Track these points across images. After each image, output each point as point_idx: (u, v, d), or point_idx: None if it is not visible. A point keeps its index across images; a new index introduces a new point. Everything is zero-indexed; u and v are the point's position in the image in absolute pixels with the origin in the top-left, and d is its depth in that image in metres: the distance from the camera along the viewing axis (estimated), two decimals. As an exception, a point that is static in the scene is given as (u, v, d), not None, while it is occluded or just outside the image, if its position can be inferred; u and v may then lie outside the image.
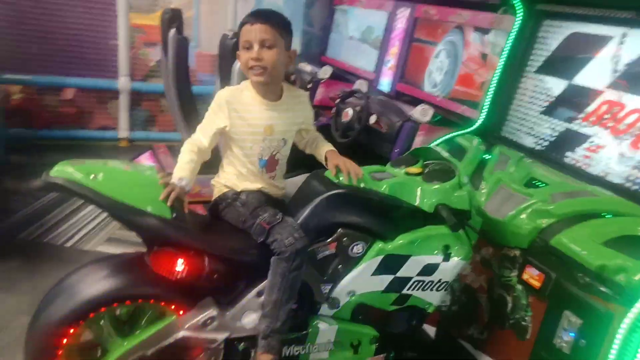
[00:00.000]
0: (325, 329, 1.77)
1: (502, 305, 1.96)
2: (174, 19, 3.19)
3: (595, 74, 2.07)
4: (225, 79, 2.34)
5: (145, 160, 3.72)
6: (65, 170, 1.37)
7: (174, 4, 7.62)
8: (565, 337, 1.69)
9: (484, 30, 2.67)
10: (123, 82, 4.59)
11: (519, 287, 1.88)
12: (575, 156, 2.10)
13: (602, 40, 2.06)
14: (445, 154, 1.90)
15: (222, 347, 1.64)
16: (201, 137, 1.67)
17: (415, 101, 2.97)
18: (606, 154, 2.00)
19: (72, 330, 1.50)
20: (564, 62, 2.20)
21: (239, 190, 1.73)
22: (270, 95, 1.71)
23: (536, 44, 2.32)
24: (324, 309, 1.78)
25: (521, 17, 2.34)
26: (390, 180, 1.78)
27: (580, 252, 1.66)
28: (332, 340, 1.80)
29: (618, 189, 1.91)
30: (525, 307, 1.86)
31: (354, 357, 1.87)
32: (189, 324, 1.59)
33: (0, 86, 4.22)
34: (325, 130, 3.05)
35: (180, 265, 1.50)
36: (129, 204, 1.41)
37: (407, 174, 1.85)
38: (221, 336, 1.63)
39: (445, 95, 2.89)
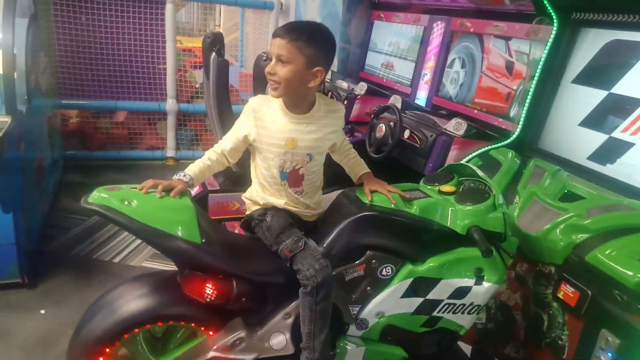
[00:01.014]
0: (353, 350, 1.77)
1: (538, 323, 1.89)
2: (215, 42, 3.32)
3: (635, 82, 1.98)
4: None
5: (189, 178, 3.85)
6: (101, 197, 1.43)
7: (222, 26, 7.99)
8: (603, 357, 1.61)
9: (521, 41, 2.63)
10: (170, 104, 4.81)
11: (555, 304, 1.82)
12: (615, 168, 2.02)
13: (640, 47, 1.98)
14: (480, 173, 1.84)
15: None
16: (225, 141, 1.71)
17: (452, 114, 2.94)
18: (648, 166, 1.91)
19: (108, 350, 1.56)
20: (602, 71, 2.12)
21: (261, 203, 1.74)
22: (297, 108, 1.69)
23: (573, 54, 2.26)
24: (352, 330, 1.77)
25: (557, 27, 2.28)
26: (422, 200, 1.75)
27: (617, 269, 1.59)
28: None
29: (659, 202, 1.82)
30: (562, 326, 1.79)
31: None
32: (219, 345, 1.63)
33: (60, 111, 4.55)
34: (360, 146, 3.09)
35: (209, 289, 1.53)
36: (160, 229, 1.43)
37: (440, 192, 1.82)
38: (249, 357, 1.65)
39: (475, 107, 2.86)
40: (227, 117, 3.45)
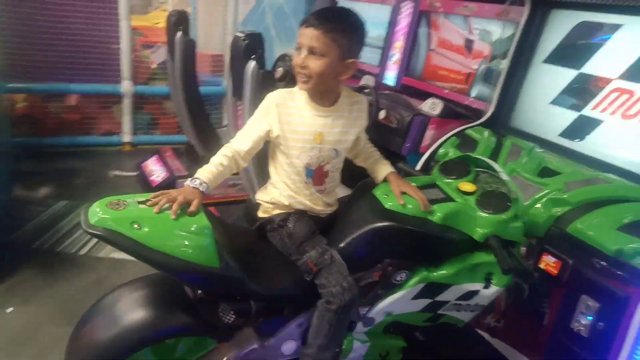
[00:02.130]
0: (359, 348, 1.79)
1: (518, 292, 1.99)
2: (180, 21, 3.21)
3: (604, 62, 2.09)
4: (238, 81, 2.35)
5: (153, 164, 3.74)
6: (105, 218, 1.26)
7: (170, 3, 7.67)
8: (583, 321, 1.73)
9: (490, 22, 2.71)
10: (126, 86, 4.60)
11: (537, 274, 1.91)
12: (586, 144, 2.13)
13: (610, 29, 2.08)
14: (497, 167, 1.80)
15: None
16: (240, 141, 1.56)
17: (420, 94, 3.00)
18: (616, 141, 2.03)
19: None
20: (572, 51, 2.22)
21: (286, 204, 1.65)
22: (323, 100, 1.60)
23: (544, 34, 2.34)
24: (359, 327, 1.78)
25: (529, 8, 2.36)
26: (443, 206, 1.66)
27: (597, 238, 1.70)
28: (363, 354, 1.82)
29: (630, 175, 1.94)
30: (543, 294, 1.90)
31: None
32: (230, 357, 1.59)
33: (5, 95, 4.25)
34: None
35: (226, 311, 1.49)
36: (177, 257, 1.30)
37: (460, 191, 1.75)
38: None
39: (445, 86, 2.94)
40: (194, 98, 3.36)
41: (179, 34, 3.21)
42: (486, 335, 2.18)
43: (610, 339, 1.64)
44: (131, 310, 1.49)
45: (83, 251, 3.03)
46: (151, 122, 4.97)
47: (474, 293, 1.79)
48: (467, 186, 1.75)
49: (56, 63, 4.38)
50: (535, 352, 1.94)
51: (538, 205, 1.90)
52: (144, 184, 3.60)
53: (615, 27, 2.07)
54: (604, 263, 1.68)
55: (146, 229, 1.28)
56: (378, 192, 1.71)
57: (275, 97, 1.59)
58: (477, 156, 1.90)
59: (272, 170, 1.69)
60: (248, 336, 1.60)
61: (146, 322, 1.46)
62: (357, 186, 1.82)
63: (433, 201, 1.67)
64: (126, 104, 4.68)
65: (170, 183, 3.36)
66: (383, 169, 1.80)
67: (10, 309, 2.44)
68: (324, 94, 1.59)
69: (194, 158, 3.61)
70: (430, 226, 1.62)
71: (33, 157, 4.25)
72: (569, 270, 1.78)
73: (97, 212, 1.27)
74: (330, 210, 1.76)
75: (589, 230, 1.73)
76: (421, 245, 1.66)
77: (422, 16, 3.24)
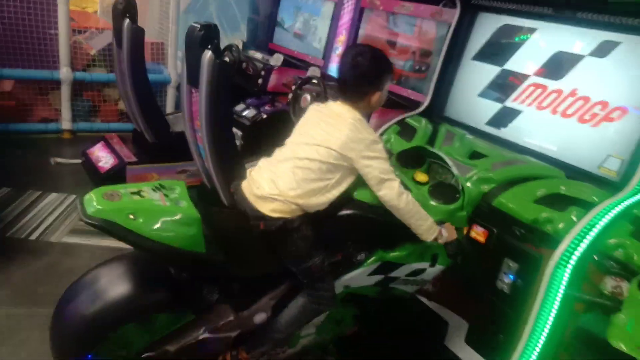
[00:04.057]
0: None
1: (455, 262, 2.29)
2: (127, 8, 3.22)
3: (522, 60, 2.43)
4: (194, 70, 2.46)
5: (99, 151, 3.72)
6: (103, 210, 1.38)
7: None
8: (506, 280, 2.05)
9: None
10: (65, 73, 4.49)
11: (466, 242, 2.21)
12: (508, 131, 2.46)
13: (527, 31, 2.42)
14: (455, 171, 2.04)
15: (232, 341, 1.80)
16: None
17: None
18: (533, 129, 2.37)
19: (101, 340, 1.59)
20: (497, 50, 2.54)
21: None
22: None
23: (472, 34, 2.66)
24: None
25: (459, 11, 2.66)
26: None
27: (516, 210, 2.02)
28: (321, 320, 2.03)
29: (543, 157, 2.28)
30: (473, 260, 2.21)
31: (336, 329, 2.14)
32: (208, 327, 1.73)
33: None
34: (282, 116, 3.28)
35: (209, 292, 1.66)
36: (169, 245, 1.46)
37: (415, 181, 1.99)
38: (234, 334, 1.79)
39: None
40: (143, 86, 3.40)
41: (127, 21, 3.23)
42: (425, 300, 2.47)
43: (528, 293, 1.96)
44: (116, 286, 1.59)
45: (33, 236, 3.01)
46: (91, 109, 4.87)
47: (421, 271, 2.07)
48: (421, 176, 2.00)
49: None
50: (467, 311, 2.25)
51: (469, 184, 2.19)
52: (92, 170, 3.58)
53: (532, 30, 2.41)
54: (522, 230, 2.00)
55: (141, 220, 1.41)
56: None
57: None
58: (430, 148, 2.16)
59: (333, 190, 1.77)
60: (224, 309, 1.75)
61: (131, 297, 1.58)
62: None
63: None
64: (65, 91, 4.56)
65: (119, 169, 3.38)
66: None
67: (-37, 295, 2.43)
68: None
69: (142, 144, 3.64)
70: (388, 216, 1.80)
71: (-36, 145, 4.08)
72: (494, 238, 2.09)
73: (94, 203, 1.38)
74: None
75: (510, 203, 2.05)
76: (379, 230, 1.90)
77: (363, 12, 3.49)
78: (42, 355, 2.12)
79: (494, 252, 2.10)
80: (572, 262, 1.79)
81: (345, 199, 1.82)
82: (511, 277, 2.03)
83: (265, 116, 3.36)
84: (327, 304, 1.77)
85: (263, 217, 1.71)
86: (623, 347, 1.07)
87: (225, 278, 1.67)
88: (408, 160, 2.06)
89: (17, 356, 2.12)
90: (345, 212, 1.82)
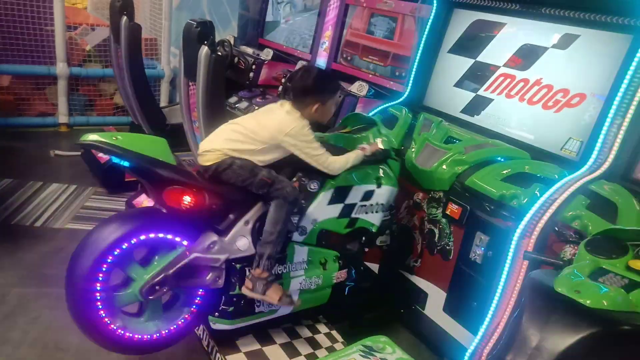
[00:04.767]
0: (299, 250, 2.25)
1: (431, 237, 2.51)
2: (125, 6, 3.39)
3: (493, 52, 2.64)
4: (192, 65, 2.65)
5: (99, 142, 3.88)
6: (94, 137, 1.76)
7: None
8: (478, 252, 2.27)
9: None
10: (61, 68, 4.64)
11: (444, 220, 2.43)
12: (481, 118, 2.68)
13: (498, 26, 2.63)
14: (366, 116, 2.58)
15: (224, 266, 2.04)
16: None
17: (349, 78, 3.45)
18: (502, 115, 2.59)
19: (102, 268, 1.83)
20: (470, 43, 2.76)
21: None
22: None
23: (448, 29, 2.86)
24: (296, 237, 2.24)
25: (436, 7, 2.86)
26: (333, 134, 2.48)
27: (486, 187, 2.23)
28: (305, 259, 2.28)
29: (510, 141, 2.50)
30: (449, 235, 2.42)
31: (324, 272, 2.35)
32: (197, 249, 1.98)
33: None
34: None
35: (187, 199, 1.91)
36: (145, 155, 1.80)
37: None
38: (222, 256, 2.03)
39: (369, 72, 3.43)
40: (140, 80, 3.57)
41: (124, 18, 3.39)
42: (407, 274, 2.69)
43: (497, 262, 2.17)
44: (113, 227, 1.87)
45: (38, 223, 3.18)
46: (87, 103, 5.02)
47: (372, 193, 2.37)
48: (344, 130, 2.65)
49: (-14, 43, 4.34)
50: (444, 281, 2.47)
51: (444, 166, 2.41)
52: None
53: (501, 25, 2.62)
54: (491, 206, 2.22)
55: (121, 138, 1.79)
56: None
57: None
58: (351, 114, 2.73)
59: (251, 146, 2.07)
60: (208, 235, 2.00)
61: (125, 228, 1.85)
62: None
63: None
64: (61, 86, 4.71)
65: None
66: None
67: (-24, 276, 2.60)
68: None
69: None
70: (327, 144, 2.25)
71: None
72: (467, 214, 2.31)
73: (87, 136, 1.78)
74: None
75: (481, 182, 2.27)
76: None
77: (347, 8, 3.68)
78: (53, 332, 2.31)
79: (468, 227, 2.32)
80: (536, 233, 2.00)
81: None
82: (482, 249, 2.25)
83: (257, 108, 3.55)
84: (291, 193, 2.02)
85: (204, 168, 2.04)
86: (564, 291, 1.28)
87: (200, 189, 1.95)
88: (337, 130, 2.63)
89: (29, 334, 2.29)
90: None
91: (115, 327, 1.91)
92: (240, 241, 2.05)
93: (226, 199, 2.02)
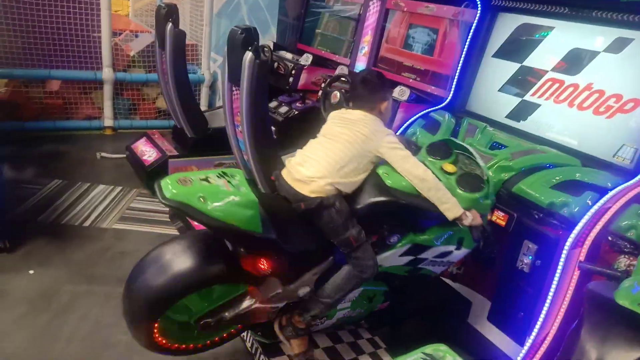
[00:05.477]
0: (354, 292, 2.18)
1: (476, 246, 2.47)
2: (170, 13, 3.47)
3: (540, 57, 2.59)
4: (236, 69, 2.69)
5: (143, 145, 3.99)
6: (177, 194, 1.62)
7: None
8: (525, 260, 2.22)
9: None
10: (107, 73, 4.80)
11: (489, 227, 2.39)
12: (527, 123, 2.63)
13: (545, 30, 2.58)
14: (480, 162, 2.20)
15: (279, 309, 2.03)
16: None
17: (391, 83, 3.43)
18: (550, 121, 2.53)
19: (168, 308, 1.82)
20: (516, 47, 2.71)
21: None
22: None
23: (493, 33, 2.82)
24: None
25: (480, 11, 2.83)
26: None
27: (535, 195, 2.18)
28: (355, 296, 2.23)
29: (559, 147, 2.44)
30: (494, 243, 2.37)
31: (368, 305, 2.33)
32: (259, 298, 1.95)
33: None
34: (313, 112, 3.50)
35: (263, 264, 1.85)
36: (232, 225, 1.69)
37: (443, 170, 2.15)
38: (281, 304, 2.01)
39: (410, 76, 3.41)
40: (184, 86, 3.65)
41: (170, 25, 3.47)
42: (449, 281, 2.65)
43: (545, 272, 2.12)
44: (180, 260, 1.81)
45: (87, 223, 3.29)
46: (131, 107, 5.17)
47: (448, 253, 2.25)
48: (449, 167, 2.16)
49: (37, 49, 4.53)
50: (489, 290, 2.43)
51: (490, 172, 2.36)
52: (136, 163, 3.85)
53: (549, 28, 2.57)
54: (540, 214, 2.17)
55: (209, 202, 1.64)
56: (380, 171, 2.06)
57: None
58: (457, 140, 2.33)
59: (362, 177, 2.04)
60: (274, 282, 1.96)
61: (194, 269, 1.80)
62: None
63: None
64: (107, 90, 4.87)
65: (162, 162, 3.63)
66: None
67: (31, 272, 2.71)
68: None
69: (181, 140, 3.90)
70: (418, 200, 1.99)
71: (14, 141, 4.39)
72: (514, 222, 2.26)
73: (170, 188, 1.63)
74: None
75: (529, 189, 2.22)
76: (411, 215, 2.08)
77: (388, 13, 3.67)
78: (102, 329, 2.39)
79: (514, 235, 2.27)
80: (587, 242, 1.95)
81: (380, 187, 2.01)
82: (530, 257, 2.20)
83: (297, 112, 3.59)
84: (368, 271, 1.96)
85: (303, 198, 1.95)
86: (627, 304, 1.25)
87: (276, 252, 1.87)
88: (436, 152, 2.24)
89: (80, 330, 2.37)
90: (381, 198, 2.00)
91: (166, 342, 1.94)
92: (303, 289, 2.02)
93: (302, 254, 1.96)
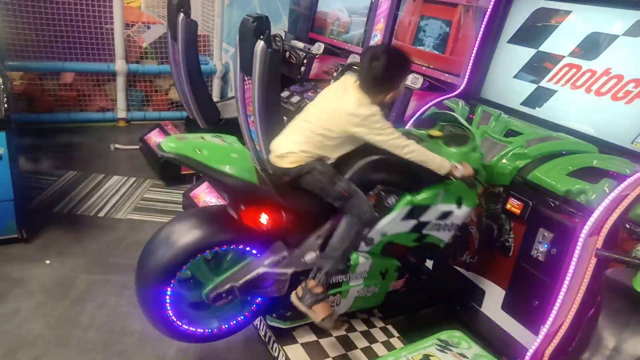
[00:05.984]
0: (364, 263, 2.18)
1: (489, 233, 2.45)
2: (181, 4, 3.47)
3: (557, 42, 2.53)
4: (248, 59, 2.68)
5: (156, 136, 4.02)
6: (176, 147, 1.68)
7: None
8: (541, 249, 2.19)
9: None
10: (120, 65, 4.82)
11: (503, 216, 2.37)
12: (543, 110, 2.58)
13: (563, 14, 2.52)
14: (463, 121, 2.27)
15: (289, 278, 2.03)
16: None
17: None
18: (567, 108, 2.48)
19: (177, 274, 1.85)
20: (532, 33, 2.65)
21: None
22: None
23: (508, 18, 2.77)
24: (362, 246, 2.17)
25: (495, -4, 2.77)
26: (419, 144, 2.08)
27: (551, 183, 2.15)
28: (367, 270, 2.22)
29: (576, 134, 2.39)
30: (509, 231, 2.35)
31: (382, 282, 2.32)
32: (266, 262, 1.96)
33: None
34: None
35: (265, 218, 1.88)
36: (228, 172, 1.74)
37: (430, 136, 2.23)
38: (289, 270, 2.01)
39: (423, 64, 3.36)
40: (196, 76, 3.66)
41: (181, 15, 3.47)
42: (463, 270, 2.64)
43: (561, 260, 2.09)
44: (188, 230, 1.87)
45: (101, 214, 3.33)
46: (144, 99, 5.20)
47: (449, 213, 2.25)
48: (435, 132, 2.26)
49: (51, 42, 4.56)
50: (503, 278, 2.41)
51: (504, 160, 2.34)
52: (150, 154, 3.88)
53: (567, 12, 2.51)
54: (556, 202, 2.14)
55: (205, 152, 1.72)
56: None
57: None
58: (442, 111, 2.38)
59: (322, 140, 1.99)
60: (279, 247, 1.98)
61: (202, 235, 1.85)
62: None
63: None
64: (120, 82, 4.90)
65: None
66: None
67: (48, 261, 2.75)
68: None
69: (193, 130, 3.91)
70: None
71: (29, 133, 4.45)
72: (529, 210, 2.23)
73: (169, 143, 1.70)
74: None
75: (545, 177, 2.19)
76: (404, 173, 2.11)
77: (400, 1, 3.63)
78: (119, 317, 2.42)
79: (530, 223, 2.25)
80: (605, 230, 1.92)
81: (369, 145, 2.01)
82: (546, 245, 2.18)
83: (308, 102, 3.56)
84: (366, 215, 1.96)
85: (285, 171, 1.99)
86: (646, 292, 1.23)
87: (275, 207, 1.91)
88: (421, 125, 2.35)
89: (97, 318, 2.40)
90: (371, 157, 2.05)
91: (180, 323, 1.97)
92: (309, 255, 2.03)
93: (302, 215, 1.98)
